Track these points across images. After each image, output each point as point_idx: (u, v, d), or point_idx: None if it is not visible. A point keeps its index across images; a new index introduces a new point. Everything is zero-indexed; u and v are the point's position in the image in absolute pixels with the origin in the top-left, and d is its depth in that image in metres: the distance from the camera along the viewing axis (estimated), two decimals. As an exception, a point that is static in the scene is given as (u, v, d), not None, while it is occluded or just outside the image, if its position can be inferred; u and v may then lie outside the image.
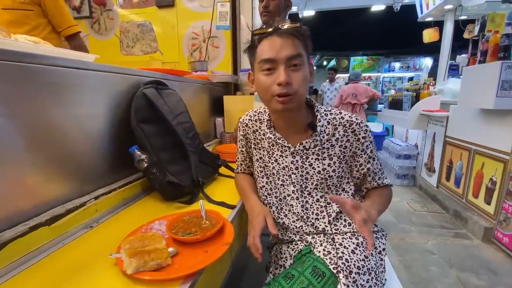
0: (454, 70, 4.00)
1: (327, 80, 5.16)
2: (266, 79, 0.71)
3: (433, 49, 5.62)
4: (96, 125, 0.80)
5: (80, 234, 0.68)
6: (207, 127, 1.73)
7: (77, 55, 0.75)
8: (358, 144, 0.77)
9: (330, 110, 0.80)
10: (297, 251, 0.78)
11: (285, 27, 0.69)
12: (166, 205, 0.88)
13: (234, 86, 2.13)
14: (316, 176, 0.78)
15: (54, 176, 0.66)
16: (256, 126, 0.87)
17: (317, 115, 0.78)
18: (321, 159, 0.77)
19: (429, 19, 4.73)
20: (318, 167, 0.77)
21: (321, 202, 0.79)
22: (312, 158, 0.78)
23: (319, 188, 0.78)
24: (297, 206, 0.80)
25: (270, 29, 0.70)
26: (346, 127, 0.77)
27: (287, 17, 1.57)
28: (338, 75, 5.70)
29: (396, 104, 3.82)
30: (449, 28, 4.36)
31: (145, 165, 0.85)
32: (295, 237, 0.81)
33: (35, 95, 0.61)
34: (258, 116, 0.87)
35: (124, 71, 0.91)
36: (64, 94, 0.68)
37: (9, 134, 0.55)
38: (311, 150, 0.78)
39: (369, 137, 0.78)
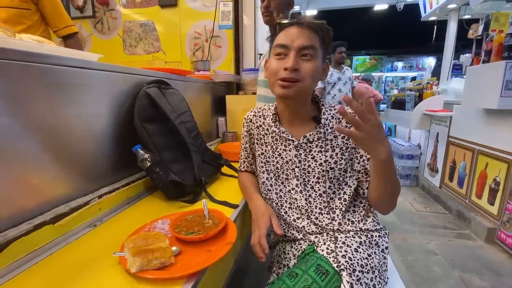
0: (457, 70, 3.97)
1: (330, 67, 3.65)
2: (276, 63, 0.75)
3: (436, 49, 5.59)
4: (99, 124, 0.81)
5: (83, 232, 0.69)
6: (209, 127, 1.73)
7: (81, 54, 0.75)
8: None
9: (334, 106, 0.82)
10: (300, 251, 0.78)
11: (309, 20, 0.73)
12: (169, 204, 0.89)
13: (236, 85, 2.13)
14: (318, 168, 0.78)
15: (58, 174, 0.67)
16: (260, 121, 0.89)
17: (322, 109, 0.80)
18: (324, 151, 0.78)
19: (433, 18, 4.70)
20: (320, 159, 0.78)
21: (324, 197, 0.79)
22: (315, 151, 0.79)
23: (321, 182, 0.79)
24: (301, 199, 0.80)
25: (294, 20, 0.74)
26: None
27: (289, 16, 1.56)
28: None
29: (398, 104, 3.80)
30: (452, 28, 4.34)
31: (148, 164, 0.86)
32: (298, 235, 0.81)
33: (40, 94, 0.61)
34: (262, 113, 0.89)
35: (127, 70, 0.91)
36: (68, 93, 0.68)
37: (13, 133, 0.55)
38: (314, 143, 0.79)
39: None
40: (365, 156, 0.78)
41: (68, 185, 0.69)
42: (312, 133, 0.79)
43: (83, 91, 0.73)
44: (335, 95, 3.16)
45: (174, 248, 0.58)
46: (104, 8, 2.48)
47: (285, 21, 0.76)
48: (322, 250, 0.70)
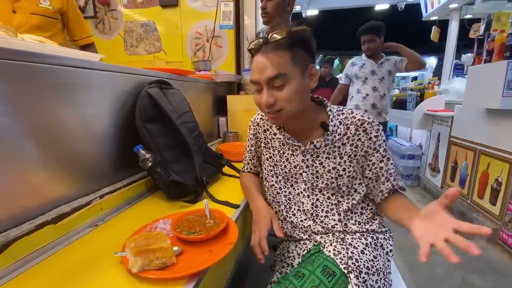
0: (459, 70, 3.96)
1: (363, 56, 2.42)
2: (257, 97, 0.74)
3: (437, 49, 5.57)
4: (101, 124, 0.81)
5: (85, 232, 0.69)
6: (210, 127, 1.73)
7: (83, 54, 0.75)
8: (370, 143, 0.76)
9: (342, 110, 0.79)
10: (305, 250, 0.77)
11: (271, 40, 0.66)
12: (170, 204, 0.89)
13: (237, 85, 2.13)
14: (326, 175, 0.77)
15: (60, 174, 0.67)
16: (267, 125, 0.87)
17: (330, 115, 0.77)
18: (332, 158, 0.77)
19: (434, 18, 4.68)
20: (329, 165, 0.77)
21: (331, 199, 0.79)
22: (322, 157, 0.78)
23: (330, 187, 0.78)
24: (307, 203, 0.80)
25: (257, 46, 0.69)
26: (358, 125, 0.76)
27: (290, 17, 1.55)
28: (341, 75, 3.37)
29: (400, 104, 3.80)
30: (454, 27, 4.32)
31: (150, 164, 0.86)
32: (304, 235, 0.81)
33: (42, 94, 0.61)
34: None
35: (128, 70, 0.91)
36: (70, 94, 0.68)
37: (15, 133, 0.56)
38: (322, 149, 0.77)
39: (381, 136, 0.77)
40: (377, 164, 0.77)
41: (69, 185, 0.70)
42: (320, 140, 0.76)
43: (84, 91, 0.73)
44: (367, 94, 2.31)
45: (175, 248, 0.58)
46: (105, 8, 2.48)
47: (251, 48, 0.71)
48: (329, 251, 0.70)
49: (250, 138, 0.94)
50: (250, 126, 0.93)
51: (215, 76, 1.84)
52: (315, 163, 0.78)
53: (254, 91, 0.74)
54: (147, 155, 0.86)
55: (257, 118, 0.91)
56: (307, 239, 0.80)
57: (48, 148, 0.63)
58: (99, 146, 0.80)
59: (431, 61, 9.23)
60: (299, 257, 0.78)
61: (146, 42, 2.47)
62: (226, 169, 1.19)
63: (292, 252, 0.81)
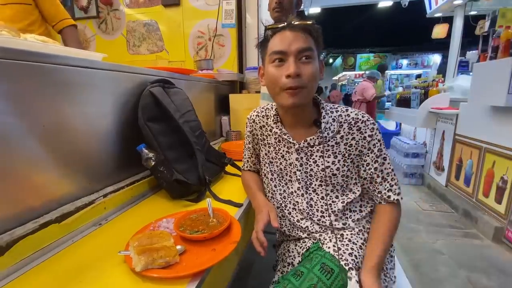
0: (463, 67, 3.93)
1: None
2: (275, 71, 0.71)
3: (441, 46, 5.53)
4: (104, 124, 0.81)
5: (89, 231, 0.69)
6: (213, 126, 1.73)
7: (86, 54, 0.76)
8: (365, 143, 0.74)
9: (336, 108, 0.78)
10: (305, 249, 0.77)
11: (298, 22, 0.71)
12: (174, 203, 0.89)
13: (239, 84, 2.13)
14: (320, 173, 0.77)
15: (63, 174, 0.67)
16: (263, 121, 0.87)
17: (322, 112, 0.77)
18: (325, 156, 0.76)
19: (438, 14, 4.65)
20: (322, 164, 0.76)
21: (326, 199, 0.78)
22: (316, 156, 0.77)
23: (323, 186, 0.77)
24: (302, 202, 0.79)
25: (283, 24, 0.71)
26: (352, 124, 0.75)
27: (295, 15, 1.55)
28: (344, 73, 4.65)
29: (404, 102, 3.77)
30: (458, 24, 4.28)
31: (153, 163, 0.86)
32: (303, 234, 0.80)
33: (45, 94, 0.61)
34: (265, 112, 0.87)
35: (131, 70, 0.91)
36: (73, 93, 0.68)
37: (19, 132, 0.56)
38: (315, 148, 0.77)
39: (377, 135, 0.75)
40: (372, 164, 0.75)
41: (73, 184, 0.70)
42: (313, 138, 0.76)
43: (87, 91, 0.73)
44: None
45: (178, 247, 0.58)
46: (108, 8, 2.49)
47: (275, 26, 0.72)
48: (328, 248, 0.70)
49: (247, 135, 0.93)
50: (246, 123, 0.92)
51: (217, 75, 1.84)
52: (309, 161, 0.78)
53: (272, 63, 0.72)
54: (150, 154, 0.86)
55: (253, 115, 0.90)
56: (306, 237, 0.80)
57: (52, 148, 0.63)
58: (102, 145, 0.80)
59: (436, 59, 9.17)
60: (299, 256, 0.78)
61: (148, 42, 2.48)
62: (229, 168, 1.19)
63: (292, 252, 0.81)
